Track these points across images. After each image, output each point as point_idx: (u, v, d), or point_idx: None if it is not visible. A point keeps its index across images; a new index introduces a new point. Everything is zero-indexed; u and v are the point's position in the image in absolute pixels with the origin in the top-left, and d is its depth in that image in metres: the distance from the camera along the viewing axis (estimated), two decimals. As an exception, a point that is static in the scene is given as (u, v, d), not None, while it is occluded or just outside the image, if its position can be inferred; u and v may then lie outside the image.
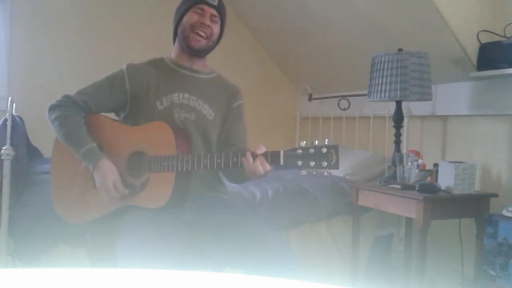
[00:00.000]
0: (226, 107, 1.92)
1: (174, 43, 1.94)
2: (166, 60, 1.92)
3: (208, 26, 1.82)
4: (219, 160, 1.64)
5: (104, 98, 1.86)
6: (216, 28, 1.86)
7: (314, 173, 1.55)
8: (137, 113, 1.84)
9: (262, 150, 1.61)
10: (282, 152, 1.56)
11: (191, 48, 1.85)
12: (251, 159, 1.60)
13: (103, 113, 1.91)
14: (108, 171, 1.72)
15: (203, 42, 1.83)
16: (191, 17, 1.83)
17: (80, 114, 1.82)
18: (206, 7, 1.82)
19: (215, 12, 1.84)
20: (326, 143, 1.54)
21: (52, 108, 1.82)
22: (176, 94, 1.84)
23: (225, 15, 1.91)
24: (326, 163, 1.52)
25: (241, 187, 2.50)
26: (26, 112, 2.85)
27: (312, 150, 1.53)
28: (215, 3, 1.83)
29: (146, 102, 1.83)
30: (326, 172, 1.54)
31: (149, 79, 1.85)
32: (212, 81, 1.94)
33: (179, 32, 1.87)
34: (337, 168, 1.55)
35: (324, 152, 1.52)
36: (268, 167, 1.60)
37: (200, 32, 1.82)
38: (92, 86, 1.88)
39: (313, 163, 1.53)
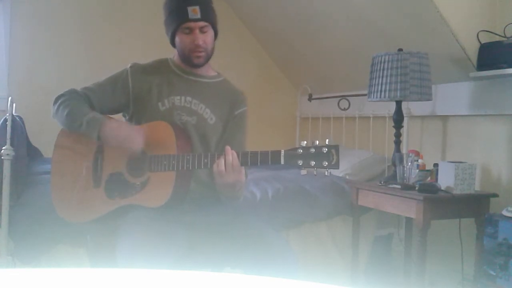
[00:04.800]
0: (229, 113, 1.90)
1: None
2: (170, 62, 1.91)
3: (203, 42, 1.78)
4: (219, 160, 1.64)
5: (107, 97, 1.86)
6: (209, 36, 1.81)
7: (315, 173, 1.55)
8: (140, 114, 1.84)
9: (229, 152, 1.61)
10: (282, 152, 1.56)
11: (194, 65, 1.85)
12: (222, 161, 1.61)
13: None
14: (117, 124, 1.71)
15: (203, 57, 1.82)
16: (183, 40, 1.79)
17: (83, 100, 1.83)
18: (192, 24, 1.76)
19: (202, 24, 1.78)
20: (327, 142, 1.54)
21: (57, 98, 1.84)
22: (178, 97, 1.84)
23: (214, 15, 1.84)
24: (326, 163, 1.52)
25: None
26: (26, 112, 2.86)
27: (312, 150, 1.53)
28: (199, 16, 1.76)
29: (148, 102, 1.83)
30: (326, 172, 1.54)
31: (152, 80, 1.85)
32: (216, 86, 1.92)
33: (178, 50, 1.85)
34: (338, 168, 1.55)
35: (324, 151, 1.52)
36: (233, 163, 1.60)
37: (198, 53, 1.80)
38: (96, 84, 1.89)
39: (314, 162, 1.53)
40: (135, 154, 1.73)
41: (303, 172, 1.55)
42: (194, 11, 1.75)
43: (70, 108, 1.77)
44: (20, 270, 0.92)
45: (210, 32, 1.82)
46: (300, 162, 1.54)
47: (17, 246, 2.12)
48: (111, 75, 1.89)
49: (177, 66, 1.90)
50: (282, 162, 1.56)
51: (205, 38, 1.80)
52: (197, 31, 1.78)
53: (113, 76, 1.88)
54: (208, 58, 1.85)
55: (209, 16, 1.80)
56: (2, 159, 2.14)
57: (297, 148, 1.55)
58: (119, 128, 1.71)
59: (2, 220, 2.08)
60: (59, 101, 1.82)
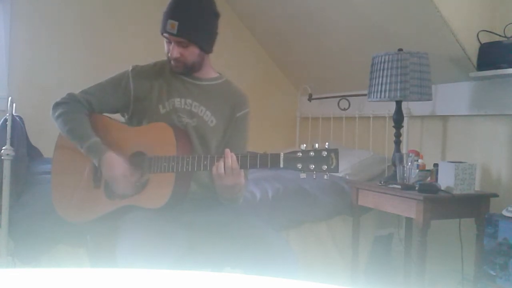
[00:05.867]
0: (230, 115, 1.89)
1: None
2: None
3: (179, 55, 1.77)
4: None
5: (108, 99, 1.86)
6: (189, 51, 1.78)
7: (314, 177, 1.55)
8: (140, 115, 1.84)
9: (228, 155, 1.61)
10: (282, 155, 1.56)
11: (173, 71, 1.84)
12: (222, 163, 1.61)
13: (106, 114, 1.91)
14: (116, 164, 1.72)
15: (180, 68, 1.81)
16: (165, 45, 1.81)
17: (83, 111, 1.83)
18: (168, 36, 1.76)
19: (180, 39, 1.75)
20: (326, 146, 1.54)
21: (55, 106, 1.85)
22: (178, 100, 1.83)
23: (201, 34, 1.79)
24: (326, 167, 1.52)
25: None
26: (26, 112, 2.86)
27: (312, 153, 1.53)
28: (174, 32, 1.73)
29: (148, 105, 1.83)
30: (326, 176, 1.54)
31: (152, 82, 1.85)
32: (217, 88, 1.91)
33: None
34: (337, 172, 1.55)
35: (324, 155, 1.52)
36: (233, 165, 1.60)
37: (175, 63, 1.80)
38: (97, 86, 1.89)
39: (313, 166, 1.52)
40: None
41: (303, 175, 1.54)
42: (171, 26, 1.73)
43: (71, 126, 1.79)
44: (20, 270, 0.92)
45: (192, 48, 1.78)
46: (299, 166, 1.53)
47: (17, 246, 2.11)
48: (112, 77, 1.89)
49: None
50: (282, 165, 1.55)
51: (184, 52, 1.78)
52: (173, 43, 1.77)
53: (114, 77, 1.89)
54: (188, 68, 1.83)
55: (189, 33, 1.75)
56: (2, 159, 2.14)
57: (296, 152, 1.55)
58: (114, 166, 1.72)
59: (2, 220, 2.08)
60: (58, 112, 1.82)
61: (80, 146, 1.76)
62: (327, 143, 1.56)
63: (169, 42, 1.78)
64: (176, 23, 1.73)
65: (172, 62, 1.80)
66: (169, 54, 1.79)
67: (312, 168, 1.53)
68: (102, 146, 1.75)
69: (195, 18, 1.77)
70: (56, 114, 1.82)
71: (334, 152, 1.53)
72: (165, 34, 1.77)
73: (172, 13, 1.75)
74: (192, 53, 1.79)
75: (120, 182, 1.72)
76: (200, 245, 1.75)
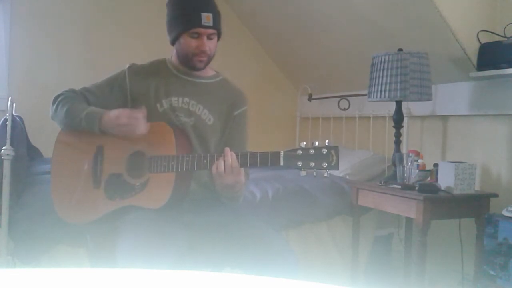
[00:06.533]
0: (228, 114, 1.89)
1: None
2: (168, 63, 1.91)
3: (208, 48, 1.79)
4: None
5: (105, 98, 1.86)
6: (214, 43, 1.82)
7: (314, 174, 1.55)
8: None
9: (228, 154, 1.61)
10: (282, 153, 1.56)
11: (194, 69, 1.84)
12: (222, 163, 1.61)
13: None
14: (116, 111, 1.71)
15: (205, 62, 1.83)
16: (189, 43, 1.78)
17: (82, 99, 1.83)
18: (202, 30, 1.76)
19: (211, 31, 1.78)
20: (326, 144, 1.54)
21: (55, 98, 1.85)
22: (176, 98, 1.83)
23: (220, 21, 1.84)
24: (326, 164, 1.52)
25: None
26: (26, 112, 2.86)
27: (312, 151, 1.53)
28: (211, 24, 1.76)
29: (146, 103, 1.82)
30: (326, 173, 1.54)
31: (149, 81, 1.85)
32: (215, 86, 1.92)
33: (178, 51, 1.84)
34: (337, 169, 1.55)
35: (324, 153, 1.52)
36: (232, 164, 1.60)
37: (201, 58, 1.80)
38: (94, 85, 1.89)
39: (313, 164, 1.53)
40: (137, 146, 1.73)
41: (303, 173, 1.55)
42: (207, 18, 1.75)
43: (69, 106, 1.78)
44: (20, 270, 0.92)
45: (215, 39, 1.83)
46: (299, 163, 1.54)
47: (17, 246, 2.11)
48: (109, 76, 1.89)
49: (175, 66, 1.89)
50: (282, 163, 1.55)
51: (211, 45, 1.80)
52: (205, 37, 1.78)
53: (111, 77, 1.89)
54: (209, 62, 1.85)
55: (218, 23, 1.80)
56: (2, 159, 2.14)
57: (296, 149, 1.55)
58: (119, 116, 1.70)
59: (2, 220, 2.08)
60: (58, 100, 1.83)
61: (78, 121, 1.74)
62: (327, 141, 1.56)
63: (196, 38, 1.78)
64: (210, 14, 1.75)
65: (197, 58, 1.80)
66: (201, 48, 1.78)
67: (312, 166, 1.53)
68: (97, 110, 1.75)
69: (217, 7, 1.82)
70: (56, 104, 1.82)
71: (334, 149, 1.53)
72: (195, 30, 1.76)
73: (205, 5, 1.77)
74: (215, 44, 1.83)
75: (133, 124, 1.68)
76: (200, 245, 1.75)
